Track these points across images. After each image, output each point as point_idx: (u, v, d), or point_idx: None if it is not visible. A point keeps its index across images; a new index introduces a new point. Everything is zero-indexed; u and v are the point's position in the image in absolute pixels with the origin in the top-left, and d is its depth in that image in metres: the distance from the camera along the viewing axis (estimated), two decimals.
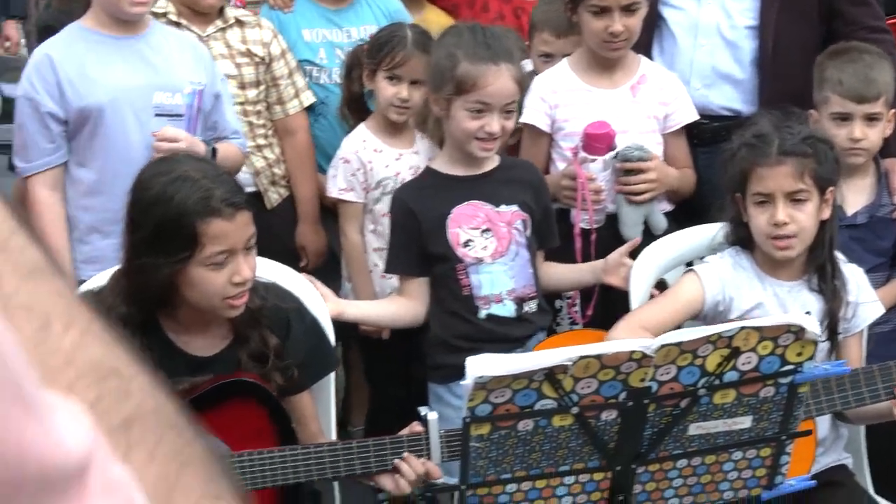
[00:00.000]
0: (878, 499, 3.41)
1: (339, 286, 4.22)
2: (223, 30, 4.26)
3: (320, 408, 3.16)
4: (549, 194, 3.73)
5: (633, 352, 2.48)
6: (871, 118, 3.75)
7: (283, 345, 2.96)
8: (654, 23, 4.14)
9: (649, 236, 3.84)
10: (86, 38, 3.75)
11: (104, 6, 3.73)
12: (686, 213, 4.02)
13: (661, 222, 3.91)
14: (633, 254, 3.59)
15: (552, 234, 3.68)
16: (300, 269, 4.32)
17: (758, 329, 2.55)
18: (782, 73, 4.10)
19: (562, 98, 3.99)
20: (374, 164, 4.05)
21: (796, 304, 3.26)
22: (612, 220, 3.93)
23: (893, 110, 3.80)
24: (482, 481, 2.59)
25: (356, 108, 4.22)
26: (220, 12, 4.27)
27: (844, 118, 3.75)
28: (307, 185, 4.46)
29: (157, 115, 3.72)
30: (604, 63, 4.00)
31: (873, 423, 3.36)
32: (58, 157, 3.74)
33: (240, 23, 4.30)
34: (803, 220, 3.18)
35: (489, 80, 3.38)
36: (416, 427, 2.90)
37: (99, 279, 3.15)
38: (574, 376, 2.47)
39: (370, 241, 4.10)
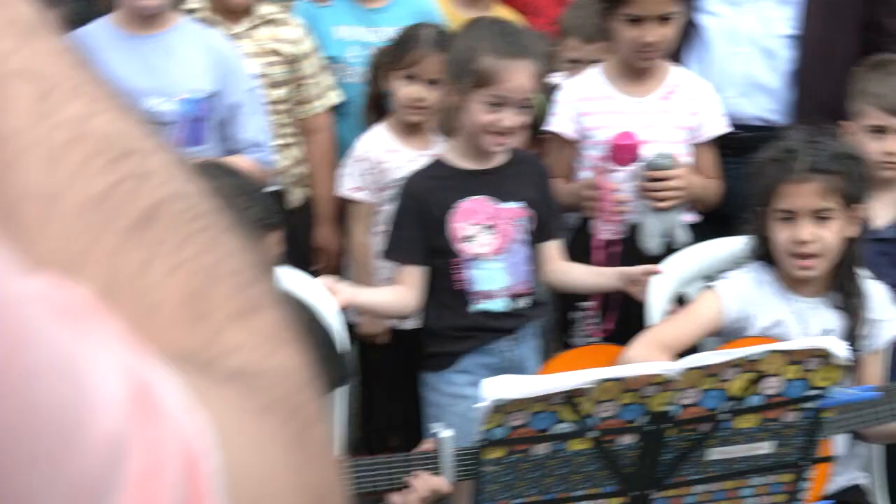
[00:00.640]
0: None
1: None
2: (254, 27, 4.17)
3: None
4: (551, 187, 3.63)
5: (656, 375, 2.38)
6: None
7: None
8: (688, 31, 4.02)
9: (671, 249, 3.74)
10: (100, 36, 3.64)
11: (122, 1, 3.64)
12: (713, 225, 3.90)
13: (682, 236, 3.80)
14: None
15: (556, 227, 3.60)
16: (316, 272, 4.27)
17: (784, 353, 2.44)
18: (818, 83, 3.99)
19: (591, 106, 3.88)
20: (387, 164, 3.96)
21: (817, 321, 3.16)
22: (635, 232, 3.82)
23: None
24: None
25: (378, 109, 4.13)
26: (251, 9, 4.17)
27: (881, 131, 3.63)
28: (327, 186, 4.36)
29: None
30: (635, 71, 3.89)
31: (893, 441, 3.26)
32: None
33: (271, 21, 4.20)
34: (828, 238, 3.08)
35: (509, 75, 3.30)
36: (427, 444, 2.80)
37: None
38: (594, 399, 2.37)
39: (377, 243, 4.01)
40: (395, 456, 2.77)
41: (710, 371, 2.41)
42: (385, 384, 4.25)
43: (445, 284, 3.43)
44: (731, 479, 2.60)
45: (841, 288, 3.16)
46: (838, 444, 3.09)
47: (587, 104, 3.90)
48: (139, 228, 0.57)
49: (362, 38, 4.42)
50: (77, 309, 0.48)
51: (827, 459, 2.77)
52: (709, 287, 3.26)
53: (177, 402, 0.49)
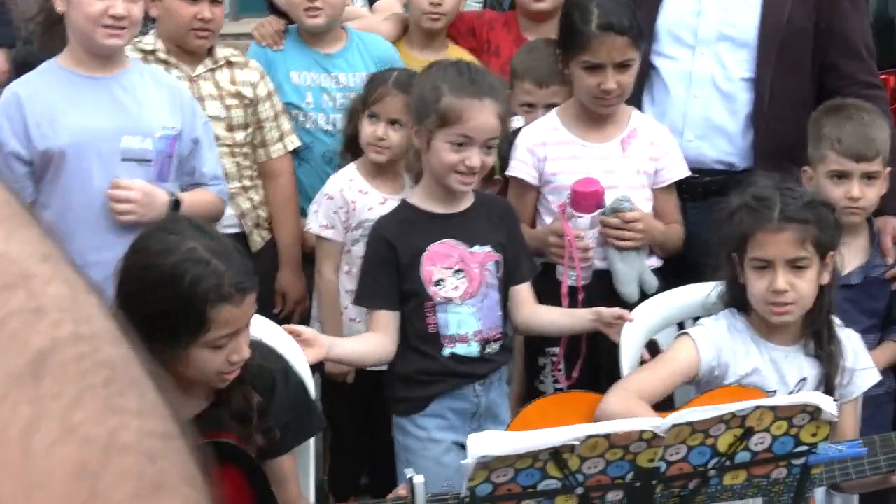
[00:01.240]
0: None
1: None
2: (213, 70, 4.08)
3: (300, 469, 2.94)
4: (520, 229, 3.58)
5: (643, 431, 2.29)
6: (869, 177, 3.59)
7: (267, 405, 2.75)
8: (645, 72, 3.96)
9: (641, 296, 3.68)
10: (58, 77, 3.54)
11: (80, 41, 3.51)
12: (676, 270, 3.84)
13: (652, 281, 3.74)
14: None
15: (525, 268, 3.52)
16: (277, 316, 4.17)
17: (772, 408, 2.37)
18: (776, 126, 3.94)
19: (550, 151, 3.82)
20: (357, 204, 3.89)
21: (793, 369, 3.10)
22: (600, 276, 3.75)
23: (888, 168, 3.65)
24: None
25: (353, 151, 4.05)
26: (210, 52, 4.09)
27: (842, 176, 3.59)
28: (289, 230, 4.28)
29: (125, 159, 3.50)
30: (594, 116, 3.83)
31: (868, 490, 3.20)
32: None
33: (229, 63, 4.12)
34: (803, 287, 3.02)
35: (473, 114, 3.24)
36: (401, 491, 2.71)
37: None
38: (581, 455, 2.28)
39: (343, 282, 3.93)
40: (369, 503, 2.68)
41: (697, 427, 2.33)
42: (351, 424, 4.17)
43: (416, 328, 3.34)
44: None
45: (816, 335, 3.10)
46: (817, 496, 3.03)
47: (546, 149, 3.83)
48: (27, 378, 0.47)
49: (320, 83, 4.34)
50: None
51: None
52: (684, 334, 3.18)
53: None
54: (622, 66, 3.70)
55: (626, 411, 2.76)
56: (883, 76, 4.32)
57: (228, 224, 4.02)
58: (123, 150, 3.49)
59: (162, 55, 4.01)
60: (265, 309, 3.99)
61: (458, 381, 3.34)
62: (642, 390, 2.97)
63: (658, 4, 4.05)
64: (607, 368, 3.65)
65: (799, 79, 3.99)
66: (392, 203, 3.85)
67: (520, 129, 3.96)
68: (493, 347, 3.37)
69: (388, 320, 3.34)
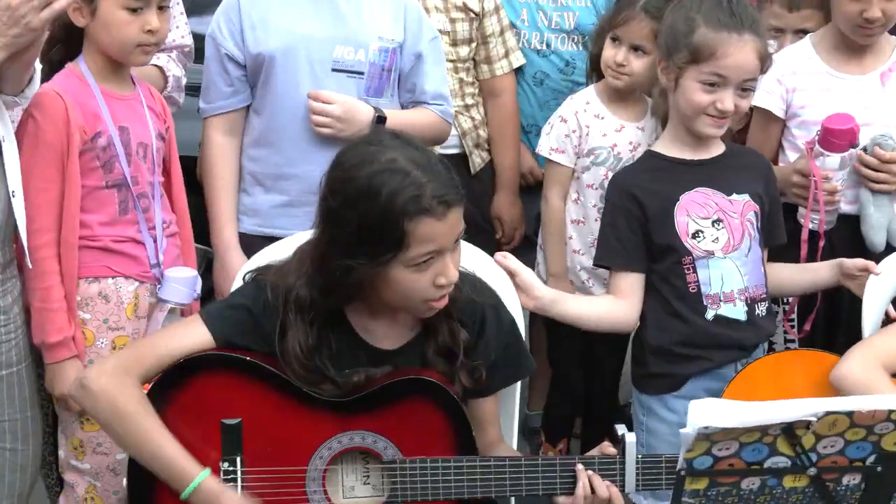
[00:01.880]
0: None
1: (532, 259, 3.85)
2: None
3: (503, 413, 2.74)
4: (777, 185, 3.23)
5: (892, 411, 2.00)
6: None
7: (475, 342, 2.56)
8: None
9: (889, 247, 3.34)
10: None
11: None
12: None
13: None
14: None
15: (780, 230, 3.18)
16: (496, 243, 3.98)
17: None
18: None
19: (801, 81, 3.48)
20: (591, 129, 3.67)
21: None
22: (845, 221, 3.40)
23: None
24: None
25: (598, 72, 3.79)
26: None
27: None
28: (509, 152, 4.09)
29: (335, 69, 3.33)
30: (853, 46, 3.46)
31: None
32: (235, 101, 3.40)
33: None
34: None
35: (729, 50, 2.91)
36: (608, 448, 2.47)
37: (283, 247, 2.81)
38: (817, 433, 2.02)
39: (570, 210, 3.69)
40: (573, 458, 2.49)
41: None
42: (574, 365, 4.02)
43: (675, 288, 3.00)
44: None
45: None
46: None
47: (797, 79, 3.50)
48: None
49: (538, 1, 4.11)
50: None
51: None
52: None
53: None
54: None
55: (868, 381, 2.47)
56: None
57: (449, 144, 3.84)
58: (335, 61, 3.33)
59: None
60: (483, 234, 3.83)
61: (722, 356, 2.99)
62: (888, 357, 2.64)
63: None
64: (846, 324, 3.35)
65: None
66: (630, 131, 3.63)
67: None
68: (761, 309, 3.03)
69: (631, 283, 3.02)
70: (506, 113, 4.07)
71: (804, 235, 3.29)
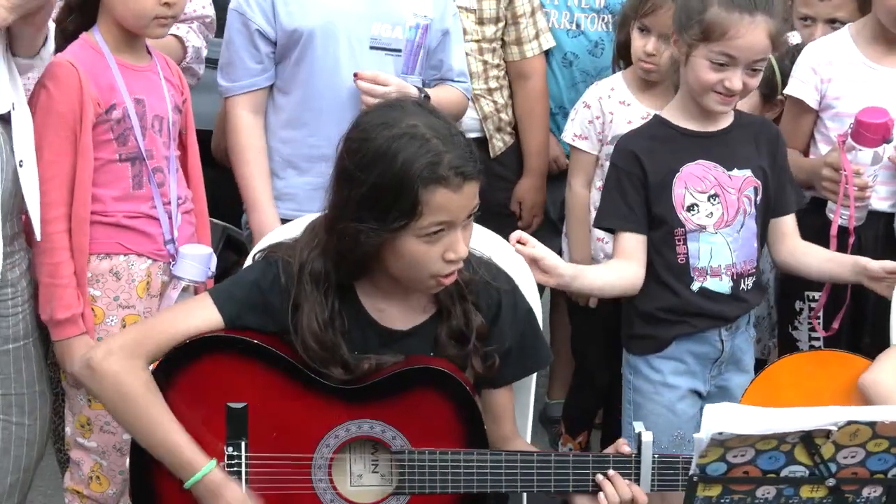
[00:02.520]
0: None
1: (557, 246, 3.78)
2: None
3: (518, 406, 2.66)
4: (786, 155, 3.15)
5: None
6: None
7: (489, 328, 2.48)
8: None
9: None
10: None
11: None
12: None
13: None
14: None
15: (790, 198, 3.11)
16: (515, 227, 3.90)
17: None
18: None
19: (837, 72, 3.38)
20: (615, 116, 3.61)
21: None
22: (878, 218, 3.32)
23: None
24: None
25: (625, 59, 3.73)
26: None
27: None
28: (537, 136, 4.00)
29: (373, 47, 3.23)
30: (893, 39, 3.36)
31: None
32: (263, 79, 3.30)
33: None
34: None
35: (740, 31, 2.85)
36: (624, 447, 2.40)
37: (293, 228, 2.73)
38: (837, 443, 1.93)
39: (595, 197, 3.62)
40: (587, 455, 2.41)
41: None
42: (597, 354, 3.95)
43: (664, 258, 2.99)
44: None
45: None
46: None
47: (832, 70, 3.40)
48: None
49: None
50: None
51: None
52: None
53: None
54: None
55: None
56: None
57: (468, 129, 3.76)
58: (373, 38, 3.24)
59: None
60: (502, 219, 3.75)
61: (704, 323, 2.99)
62: None
63: None
64: (872, 323, 3.27)
65: None
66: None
67: (799, 45, 3.56)
68: (747, 284, 3.01)
69: (635, 244, 3.00)
70: (535, 96, 3.97)
71: (833, 231, 3.21)
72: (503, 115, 3.95)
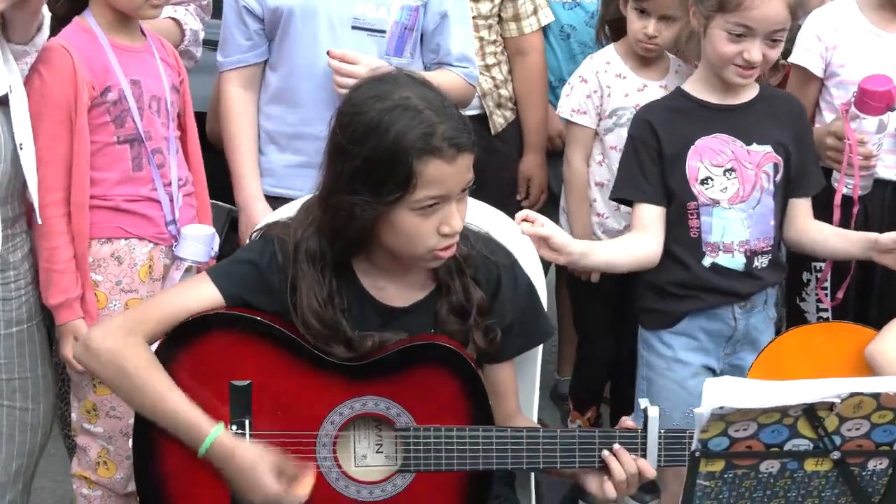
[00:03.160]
0: None
1: (556, 222, 3.76)
2: None
3: (522, 383, 2.63)
4: (811, 134, 3.11)
5: None
6: None
7: (490, 302, 2.46)
8: None
9: None
10: None
11: None
12: None
13: None
14: None
15: (811, 180, 3.07)
16: (519, 204, 3.88)
17: None
18: None
19: (842, 39, 3.33)
20: (612, 89, 3.57)
21: None
22: (883, 187, 3.28)
23: None
24: None
25: (614, 31, 3.67)
26: None
27: None
28: (537, 112, 3.96)
29: (355, 27, 3.18)
30: None
31: None
32: (253, 55, 3.27)
33: None
34: None
35: (756, 1, 2.81)
36: (628, 422, 2.38)
37: (288, 208, 2.72)
38: (840, 415, 1.90)
39: (594, 172, 3.59)
40: (593, 431, 2.38)
41: None
42: (603, 329, 3.94)
43: (676, 232, 2.96)
44: None
45: None
46: None
47: (837, 37, 3.36)
48: None
49: None
50: None
51: None
52: None
53: None
54: None
55: None
56: None
57: (469, 106, 3.72)
58: (354, 18, 3.18)
59: None
60: (504, 195, 3.73)
61: (716, 299, 2.96)
62: None
63: None
64: (879, 294, 3.26)
65: None
66: (653, 90, 3.51)
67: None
68: (761, 262, 2.97)
69: (653, 216, 2.97)
70: (534, 72, 3.94)
71: (837, 200, 3.16)
72: (502, 91, 3.91)
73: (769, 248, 2.98)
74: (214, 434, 2.30)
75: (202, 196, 3.13)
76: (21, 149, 2.68)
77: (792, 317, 3.48)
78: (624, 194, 3.04)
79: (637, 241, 2.97)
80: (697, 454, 1.94)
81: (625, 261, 2.98)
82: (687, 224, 2.95)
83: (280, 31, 3.22)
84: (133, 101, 2.88)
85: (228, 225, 3.43)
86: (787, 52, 3.46)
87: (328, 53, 3.12)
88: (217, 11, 3.48)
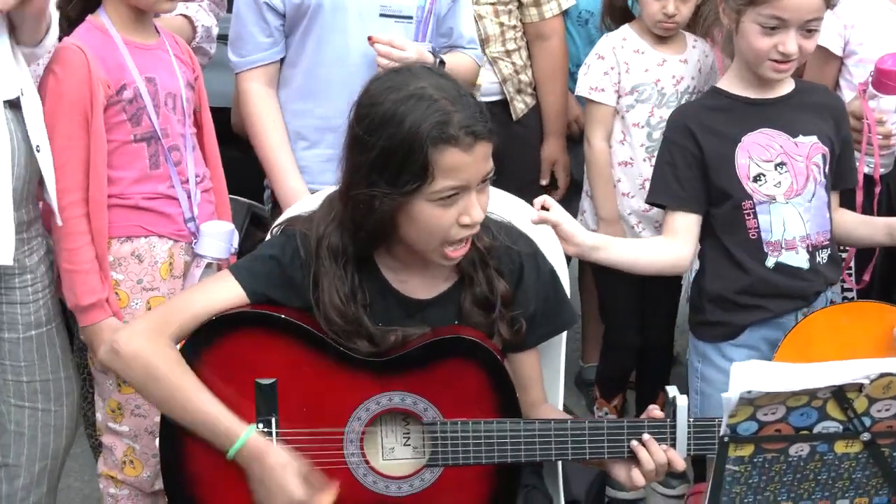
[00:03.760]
0: None
1: (576, 207, 3.76)
2: None
3: (547, 371, 2.63)
4: (849, 127, 3.05)
5: None
6: None
7: (514, 292, 2.46)
8: None
9: None
10: None
11: None
12: None
13: None
14: None
15: (851, 173, 3.02)
16: (542, 189, 3.88)
17: None
18: None
19: (860, 17, 3.32)
20: (631, 65, 3.57)
21: None
22: None
23: None
24: None
25: (620, 17, 3.67)
26: None
27: None
28: (557, 96, 3.96)
29: (382, 15, 3.19)
30: None
31: None
32: (274, 53, 3.26)
33: None
34: None
35: None
36: (656, 412, 2.36)
37: (310, 201, 2.71)
38: (870, 396, 1.90)
39: (616, 152, 3.58)
40: (622, 421, 2.37)
41: None
42: (629, 315, 3.93)
43: (734, 235, 2.88)
44: None
45: None
46: None
47: (856, 15, 3.35)
48: None
49: None
50: None
51: None
52: None
53: None
54: None
55: None
56: None
57: (489, 91, 3.73)
58: (382, 6, 3.18)
59: None
60: (526, 182, 3.73)
61: (781, 305, 2.87)
62: None
63: None
64: None
65: None
66: (672, 64, 3.50)
67: None
68: (822, 256, 2.90)
69: (686, 224, 2.90)
70: (554, 57, 3.93)
71: (859, 181, 3.16)
72: (522, 77, 3.90)
73: (827, 242, 2.92)
74: (246, 435, 2.30)
75: (221, 192, 3.14)
76: (38, 151, 2.69)
77: None
78: (658, 199, 2.98)
79: (665, 245, 2.92)
80: (726, 439, 1.95)
81: (648, 263, 2.91)
82: (745, 225, 2.87)
83: (304, 25, 3.20)
84: (149, 99, 2.88)
85: (249, 220, 3.43)
86: None
87: (369, 39, 3.10)
88: (230, 6, 3.47)
